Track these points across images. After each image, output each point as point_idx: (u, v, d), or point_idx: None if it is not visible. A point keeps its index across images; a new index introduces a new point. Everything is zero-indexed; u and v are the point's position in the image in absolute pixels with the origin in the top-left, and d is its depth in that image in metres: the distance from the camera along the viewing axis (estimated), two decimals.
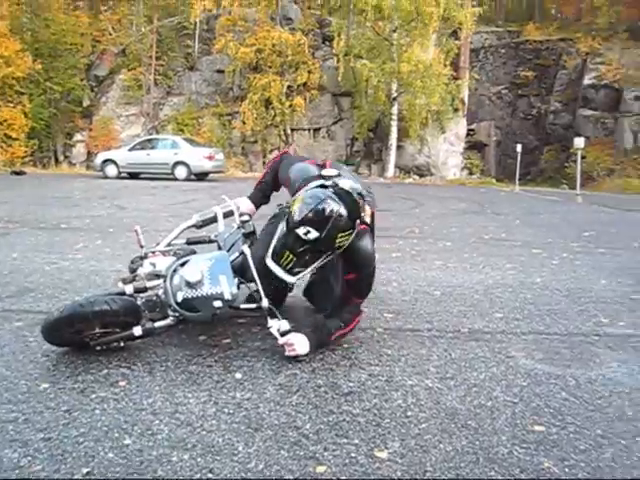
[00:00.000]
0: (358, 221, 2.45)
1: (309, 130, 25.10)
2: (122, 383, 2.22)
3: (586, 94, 29.23)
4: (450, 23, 23.06)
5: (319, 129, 25.22)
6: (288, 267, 2.45)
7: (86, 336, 2.42)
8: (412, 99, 21.94)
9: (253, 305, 2.63)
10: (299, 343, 2.47)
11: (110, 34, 27.47)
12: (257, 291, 2.51)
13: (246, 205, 3.06)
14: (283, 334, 2.48)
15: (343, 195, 2.38)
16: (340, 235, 2.35)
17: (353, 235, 2.42)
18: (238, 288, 2.53)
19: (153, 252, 2.88)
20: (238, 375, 2.33)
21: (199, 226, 3.04)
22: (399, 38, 22.43)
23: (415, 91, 21.52)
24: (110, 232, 6.28)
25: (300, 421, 1.95)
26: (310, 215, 2.29)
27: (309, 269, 2.54)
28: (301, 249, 2.37)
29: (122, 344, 2.52)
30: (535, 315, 3.44)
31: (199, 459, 1.70)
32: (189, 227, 3.03)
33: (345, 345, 2.73)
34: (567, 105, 30.96)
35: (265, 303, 2.50)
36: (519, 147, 20.21)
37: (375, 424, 1.95)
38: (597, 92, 28.94)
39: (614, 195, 18.44)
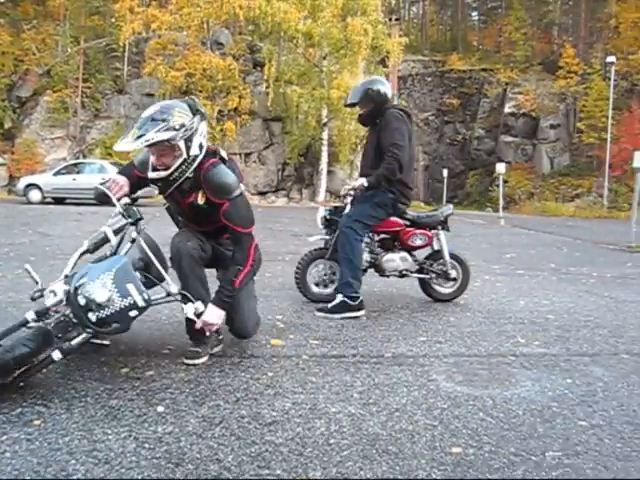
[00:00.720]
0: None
1: (240, 155, 25.03)
2: (37, 422, 2.13)
3: (507, 121, 30.74)
4: (378, 51, 23.74)
5: (250, 154, 25.23)
6: None
7: (5, 382, 2.32)
8: (342, 125, 22.36)
9: (163, 294, 2.62)
10: (212, 316, 2.64)
11: (34, 54, 26.62)
12: (163, 279, 2.54)
13: (122, 182, 2.92)
14: (199, 315, 2.52)
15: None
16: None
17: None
18: (148, 287, 2.51)
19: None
20: (160, 408, 2.28)
21: (92, 250, 2.91)
22: (329, 65, 22.88)
23: (345, 117, 21.92)
24: (32, 261, 6.03)
25: (222, 454, 1.93)
26: None
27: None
28: None
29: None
30: (457, 337, 3.55)
31: None
32: (82, 254, 2.91)
33: (270, 374, 2.73)
34: (490, 132, 32.42)
35: (174, 289, 2.55)
36: (445, 172, 20.94)
37: (297, 453, 1.96)
38: (517, 120, 30.49)
39: (533, 217, 19.34)
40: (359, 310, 3.98)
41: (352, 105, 4.32)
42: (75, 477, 1.76)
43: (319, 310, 4.04)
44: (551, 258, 7.84)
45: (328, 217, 4.38)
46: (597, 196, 25.09)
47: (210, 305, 2.70)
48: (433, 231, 4.49)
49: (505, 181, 21.30)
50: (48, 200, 18.43)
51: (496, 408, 2.42)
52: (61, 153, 25.29)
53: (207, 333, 2.68)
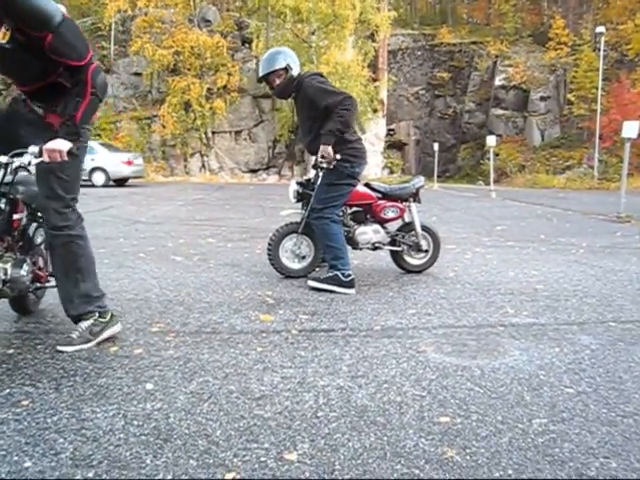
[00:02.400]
0: None
1: (230, 133, 24.87)
2: (25, 402, 2.13)
3: (497, 94, 30.60)
4: (367, 25, 23.49)
5: (240, 132, 25.04)
6: None
7: None
8: None
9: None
10: (55, 144, 2.45)
11: None
12: None
13: None
14: (40, 154, 2.46)
15: None
16: None
17: None
18: None
19: None
20: (149, 386, 2.28)
21: None
22: (318, 40, 22.62)
23: None
24: None
25: (210, 429, 1.94)
26: None
27: None
28: None
29: None
30: (446, 309, 3.57)
31: (104, 475, 1.65)
32: None
33: (259, 349, 2.74)
34: (480, 105, 32.27)
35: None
36: (436, 146, 20.87)
37: (286, 427, 1.97)
38: (507, 92, 30.36)
39: (525, 190, 19.38)
40: (350, 287, 3.99)
41: (262, 79, 4.13)
42: (63, 455, 1.76)
43: (312, 279, 4.05)
44: (541, 229, 7.86)
45: (300, 191, 4.36)
46: (588, 167, 25.09)
47: (57, 139, 2.48)
48: (405, 203, 4.56)
49: (496, 154, 21.30)
50: None
51: (484, 378, 2.44)
52: None
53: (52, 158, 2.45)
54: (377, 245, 4.50)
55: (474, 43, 34.17)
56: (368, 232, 4.44)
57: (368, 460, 1.76)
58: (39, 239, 2.98)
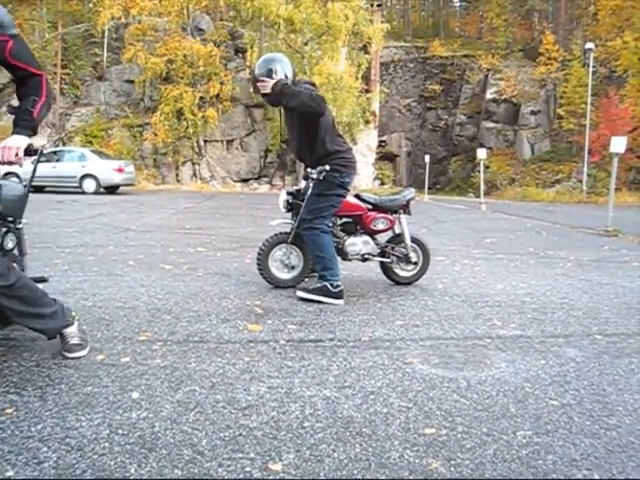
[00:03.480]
0: None
1: (222, 142, 24.91)
2: (9, 410, 2.11)
3: (488, 107, 30.89)
4: (360, 37, 23.66)
5: (232, 141, 25.09)
6: None
7: None
8: None
9: None
10: (11, 140, 2.39)
11: None
12: None
13: None
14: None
15: None
16: None
17: None
18: None
19: None
20: (135, 394, 2.28)
21: None
22: (311, 51, 22.75)
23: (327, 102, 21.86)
24: None
25: (196, 438, 1.94)
26: None
27: None
28: None
29: None
30: (434, 321, 3.58)
31: None
32: None
33: (246, 359, 2.73)
34: (472, 118, 32.56)
35: None
36: (427, 158, 21.00)
37: (271, 437, 1.97)
38: (498, 106, 30.66)
39: (514, 203, 19.49)
40: (338, 298, 3.99)
41: (257, 80, 4.02)
42: (47, 464, 1.75)
43: (300, 289, 4.06)
44: (530, 242, 7.92)
45: (290, 201, 4.37)
46: (576, 181, 25.33)
47: (15, 135, 2.44)
48: (395, 215, 4.56)
49: (487, 167, 21.45)
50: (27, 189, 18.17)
51: (470, 389, 2.45)
52: (40, 141, 24.90)
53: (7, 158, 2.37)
54: (366, 256, 4.51)
55: (466, 56, 34.54)
56: (358, 243, 4.45)
57: (353, 471, 1.76)
58: (10, 244, 2.93)
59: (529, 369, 2.73)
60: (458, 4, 49.08)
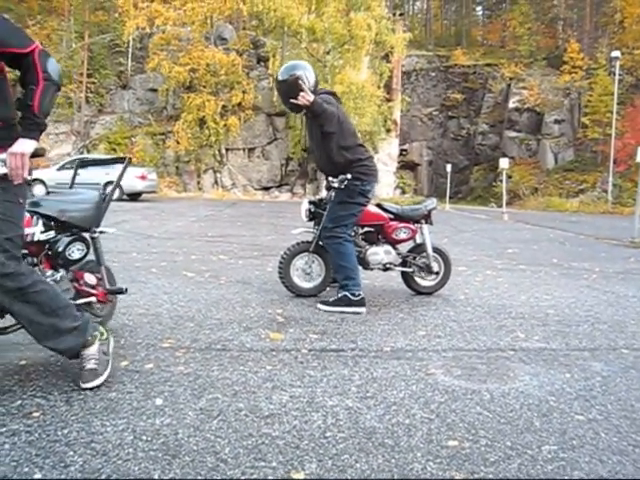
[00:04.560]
0: None
1: (244, 150, 25.08)
2: (36, 414, 2.14)
3: (511, 116, 30.67)
4: (382, 46, 23.71)
5: (254, 149, 25.25)
6: None
7: None
8: None
9: None
10: (18, 146, 2.13)
11: None
12: None
13: None
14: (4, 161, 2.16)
15: None
16: None
17: None
18: None
19: None
20: (158, 401, 2.30)
21: None
22: (332, 60, 22.86)
23: (348, 111, 21.93)
24: None
25: (219, 446, 1.95)
26: None
27: None
28: None
29: None
30: (456, 332, 3.56)
31: None
32: None
33: (269, 367, 2.74)
34: (494, 127, 32.35)
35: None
36: (449, 167, 20.92)
37: (294, 446, 1.97)
38: (521, 115, 30.43)
39: (537, 213, 19.30)
40: (360, 306, 3.98)
41: (280, 82, 4.07)
42: (73, 468, 1.77)
43: (321, 302, 4.06)
44: (553, 253, 7.83)
45: (312, 210, 4.38)
46: (601, 191, 25.00)
47: (19, 140, 2.15)
48: (417, 225, 4.57)
49: (509, 176, 21.28)
50: None
51: (493, 402, 2.42)
52: (65, 148, 25.37)
53: (17, 173, 2.14)
54: (388, 266, 4.50)
55: (488, 65, 34.38)
56: (379, 253, 4.44)
57: None
58: (76, 254, 2.87)
59: (553, 382, 2.69)
60: (481, 12, 48.96)
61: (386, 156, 25.01)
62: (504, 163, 15.17)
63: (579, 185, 26.56)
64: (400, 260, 4.58)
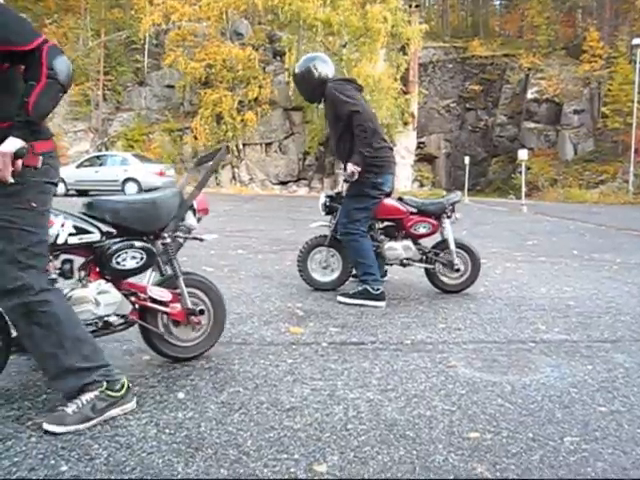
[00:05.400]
0: None
1: (261, 145, 25.12)
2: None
3: (529, 107, 30.32)
4: (398, 38, 23.56)
5: (271, 144, 25.28)
6: None
7: None
8: None
9: None
10: (4, 145, 1.89)
11: None
12: None
13: None
14: None
15: None
16: None
17: None
18: None
19: None
20: (181, 395, 2.32)
21: None
22: (349, 53, 22.77)
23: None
24: None
25: (241, 439, 1.97)
26: None
27: None
28: None
29: None
30: (476, 324, 3.55)
31: None
32: None
33: (289, 360, 2.76)
34: (512, 118, 32.01)
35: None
36: (467, 159, 20.76)
37: (315, 438, 1.98)
38: (539, 106, 30.05)
39: (557, 204, 19.09)
40: (379, 300, 3.97)
41: (296, 75, 4.26)
42: (98, 461, 1.80)
43: (341, 295, 4.07)
44: (573, 245, 7.75)
45: (328, 204, 4.38)
46: (622, 182, 24.63)
47: (9, 139, 1.91)
48: (440, 219, 4.42)
49: (528, 168, 21.07)
50: (71, 192, 18.70)
51: (514, 394, 2.42)
52: (84, 146, 25.63)
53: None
54: (406, 262, 4.41)
55: (506, 56, 33.99)
56: (397, 248, 4.33)
57: (397, 474, 1.76)
58: (129, 262, 2.43)
59: (575, 374, 2.68)
60: (498, 3, 48.38)
61: (403, 149, 24.89)
62: (523, 154, 15.01)
63: (599, 176, 26.19)
64: (420, 256, 4.44)
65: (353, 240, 4.05)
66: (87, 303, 2.33)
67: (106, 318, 2.42)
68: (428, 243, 4.58)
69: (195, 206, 2.85)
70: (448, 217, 4.46)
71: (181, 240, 2.76)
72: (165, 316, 2.59)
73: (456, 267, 4.42)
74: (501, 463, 1.84)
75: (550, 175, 26.94)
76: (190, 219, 2.79)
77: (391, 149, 4.30)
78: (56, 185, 2.16)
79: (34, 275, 2.02)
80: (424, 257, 4.47)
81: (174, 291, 2.59)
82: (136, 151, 22.82)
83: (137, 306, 2.55)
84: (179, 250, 2.77)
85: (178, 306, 2.58)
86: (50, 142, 2.11)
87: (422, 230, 4.36)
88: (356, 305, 3.95)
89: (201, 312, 2.63)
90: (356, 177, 3.92)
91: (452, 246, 4.41)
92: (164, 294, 2.55)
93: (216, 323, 2.75)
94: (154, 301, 2.54)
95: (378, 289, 3.98)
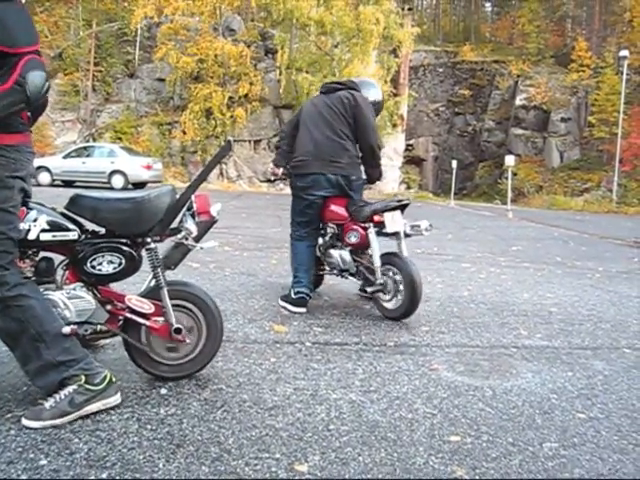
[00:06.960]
0: None
1: (250, 142, 25.03)
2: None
3: (517, 114, 30.54)
4: (390, 41, 23.61)
5: (260, 141, 25.20)
6: None
7: None
8: None
9: None
10: None
11: (46, 37, 26.62)
12: None
13: None
14: None
15: None
16: None
17: None
18: None
19: None
20: (163, 391, 2.32)
21: None
22: (340, 54, 22.77)
23: None
24: None
25: (223, 436, 1.97)
26: None
27: None
28: None
29: None
30: (460, 328, 3.57)
31: (117, 477, 1.68)
32: None
33: (272, 359, 2.76)
34: (500, 124, 32.22)
35: None
36: (455, 163, 20.86)
37: (297, 438, 1.99)
38: (527, 112, 30.28)
39: (542, 211, 19.25)
40: (296, 306, 3.73)
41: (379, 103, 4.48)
42: (78, 455, 1.79)
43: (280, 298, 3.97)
44: (557, 252, 7.83)
45: None
46: (606, 191, 24.89)
47: None
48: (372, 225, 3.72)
49: (514, 174, 21.23)
50: (57, 183, 18.50)
51: (496, 398, 2.44)
52: (71, 136, 25.34)
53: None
54: (343, 274, 3.94)
55: (496, 62, 34.20)
56: (335, 256, 3.88)
57: (378, 475, 1.78)
58: (105, 267, 2.25)
59: (555, 380, 2.71)
60: (489, 9, 48.64)
61: (392, 151, 24.96)
62: (510, 160, 15.11)
63: (584, 184, 26.44)
64: (355, 269, 3.83)
65: (291, 242, 4.06)
66: (55, 308, 2.15)
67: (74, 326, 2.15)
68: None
69: (195, 208, 2.56)
70: (374, 226, 3.69)
71: (190, 247, 2.57)
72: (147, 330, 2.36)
73: (378, 282, 3.63)
74: (480, 467, 1.86)
75: (536, 181, 27.16)
76: (188, 222, 2.50)
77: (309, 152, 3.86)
78: (23, 179, 2.05)
79: (5, 269, 1.98)
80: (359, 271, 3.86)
81: (158, 303, 2.34)
82: (124, 143, 22.64)
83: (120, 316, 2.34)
84: (185, 257, 2.66)
85: (161, 320, 2.34)
86: (19, 136, 2.03)
87: (353, 239, 3.76)
88: (335, 305, 3.99)
89: (189, 329, 2.38)
90: (274, 178, 4.06)
91: (376, 261, 3.66)
92: (145, 305, 2.31)
93: (209, 341, 2.42)
94: (133, 312, 2.31)
95: (298, 293, 3.73)
